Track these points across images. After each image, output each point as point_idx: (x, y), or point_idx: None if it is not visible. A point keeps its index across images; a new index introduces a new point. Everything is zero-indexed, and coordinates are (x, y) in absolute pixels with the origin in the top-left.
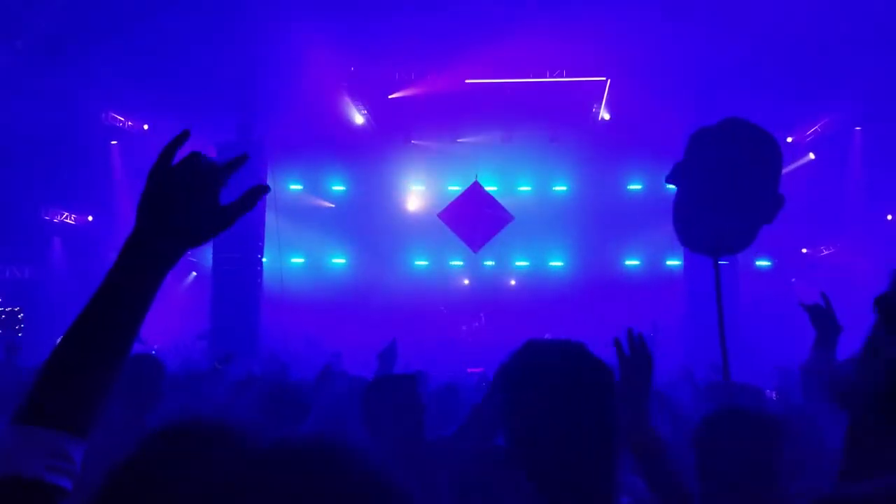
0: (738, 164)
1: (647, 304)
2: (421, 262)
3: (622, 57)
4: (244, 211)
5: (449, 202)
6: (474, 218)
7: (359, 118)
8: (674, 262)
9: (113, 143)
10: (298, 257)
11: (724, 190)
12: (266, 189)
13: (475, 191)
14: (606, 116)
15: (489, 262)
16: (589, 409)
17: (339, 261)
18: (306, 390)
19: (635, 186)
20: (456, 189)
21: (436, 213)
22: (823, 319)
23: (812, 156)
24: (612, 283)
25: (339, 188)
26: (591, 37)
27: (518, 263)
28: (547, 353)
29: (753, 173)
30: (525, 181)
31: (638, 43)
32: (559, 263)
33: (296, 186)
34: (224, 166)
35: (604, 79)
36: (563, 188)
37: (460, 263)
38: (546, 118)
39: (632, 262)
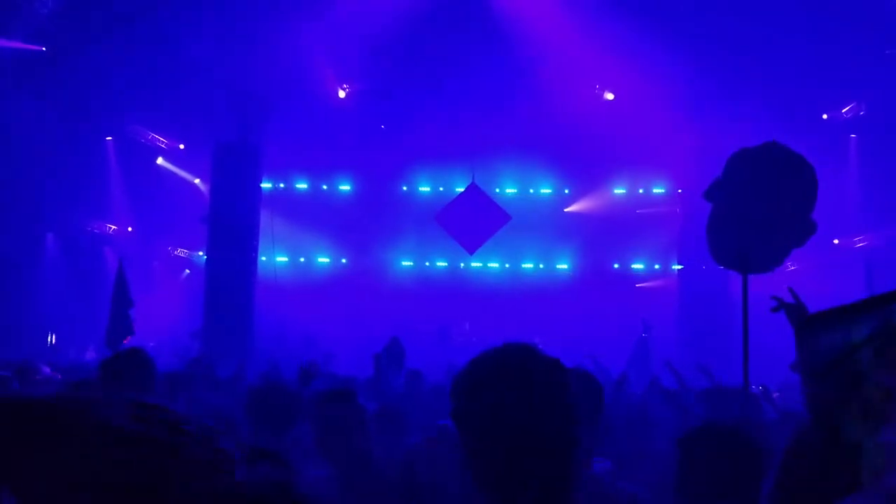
0: (773, 187)
1: (640, 307)
2: (406, 263)
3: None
4: None
5: (446, 204)
6: (470, 220)
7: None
8: (666, 266)
9: (108, 138)
10: (294, 256)
11: (758, 210)
12: None
13: (472, 192)
14: (610, 96)
15: (476, 264)
16: (542, 409)
17: (341, 260)
18: (295, 393)
19: (633, 191)
20: (444, 190)
21: (429, 214)
22: (797, 315)
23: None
24: (604, 285)
25: (343, 188)
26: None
27: (525, 265)
28: (495, 360)
29: (788, 197)
30: (512, 184)
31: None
32: (542, 266)
33: (300, 185)
34: None
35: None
36: (551, 192)
37: (462, 265)
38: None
39: (625, 265)
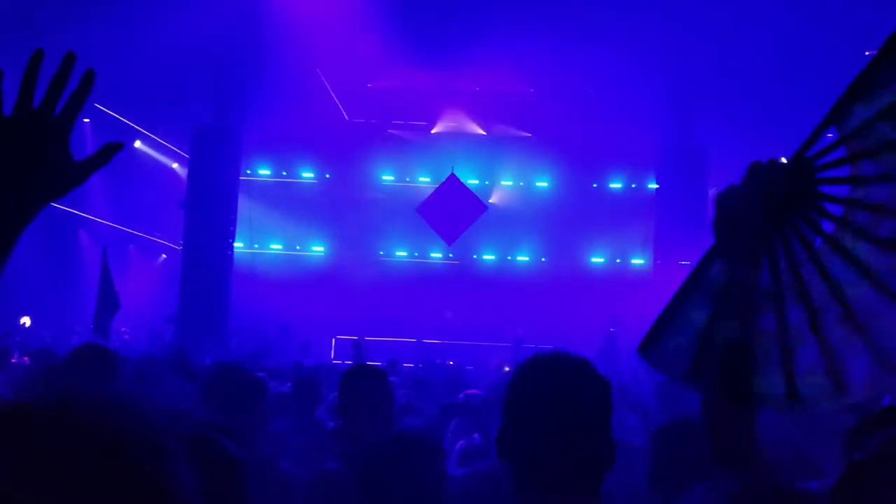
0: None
1: (611, 301)
2: (401, 253)
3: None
4: (97, 167)
5: (426, 196)
6: (450, 211)
7: (336, 107)
8: (638, 261)
9: (85, 120)
10: (272, 244)
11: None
12: (120, 146)
13: (451, 184)
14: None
15: (451, 255)
16: (590, 426)
17: (317, 249)
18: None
19: (615, 185)
20: (427, 180)
21: (408, 204)
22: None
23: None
24: (578, 278)
25: (311, 175)
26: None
27: (486, 257)
28: (552, 368)
29: None
30: (496, 175)
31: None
32: (526, 258)
33: (266, 172)
34: (67, 108)
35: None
36: (523, 184)
37: (438, 256)
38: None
39: (598, 259)
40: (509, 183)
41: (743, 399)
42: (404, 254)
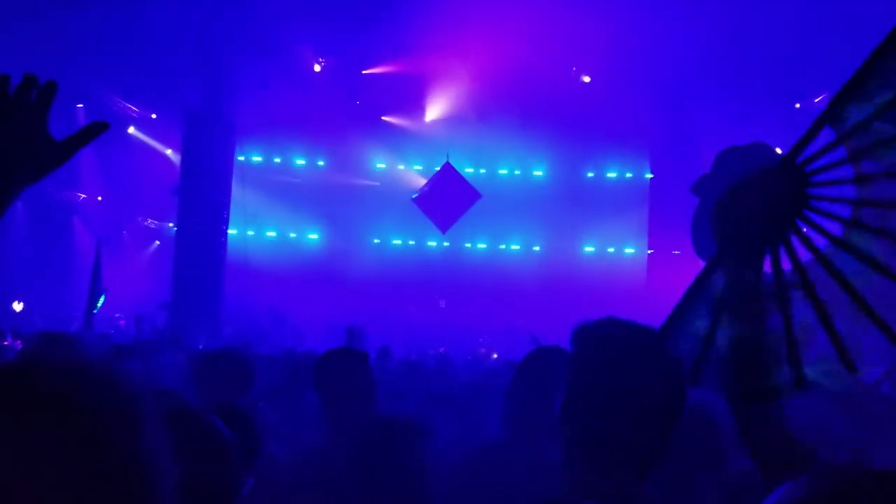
0: None
1: (603, 290)
2: (396, 241)
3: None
4: (80, 146)
5: (422, 185)
6: (444, 199)
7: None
8: (630, 250)
9: (79, 106)
10: (266, 230)
11: None
12: (106, 126)
13: (446, 172)
14: (587, 80)
15: (447, 244)
16: (655, 414)
17: (313, 236)
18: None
19: (610, 174)
20: (419, 168)
21: (402, 192)
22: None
23: (779, 150)
24: (570, 267)
25: (304, 162)
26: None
27: (479, 246)
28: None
29: None
30: (486, 163)
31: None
32: (517, 247)
33: (259, 158)
34: (41, 93)
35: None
36: (520, 173)
37: (433, 244)
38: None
39: (590, 248)
40: (504, 171)
41: (757, 396)
42: (398, 241)
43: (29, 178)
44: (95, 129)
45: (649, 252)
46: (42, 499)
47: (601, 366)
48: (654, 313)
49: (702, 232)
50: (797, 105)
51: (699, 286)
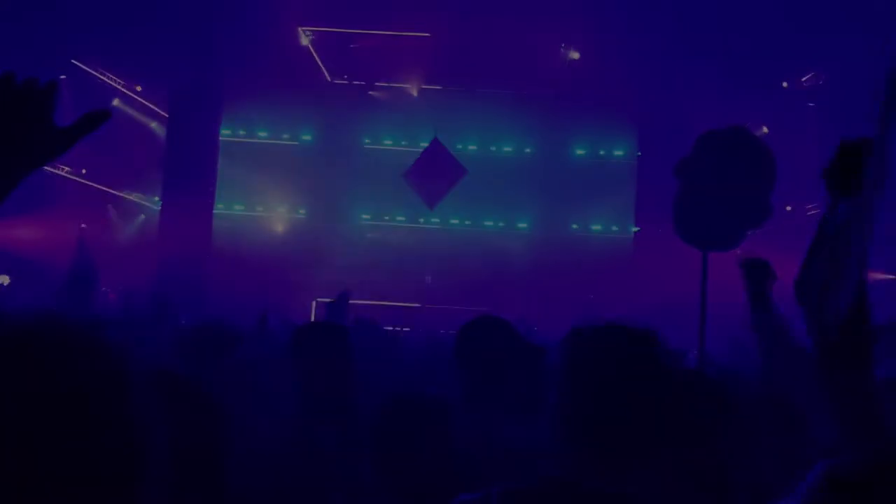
0: (735, 170)
1: (590, 268)
2: (367, 217)
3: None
4: (82, 134)
5: (412, 162)
6: (433, 175)
7: (319, 66)
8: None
9: (62, 77)
10: (252, 206)
11: (720, 191)
12: (108, 114)
13: (435, 148)
14: (576, 55)
15: (435, 220)
16: (652, 395)
17: (299, 211)
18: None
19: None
20: (405, 144)
21: (389, 167)
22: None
23: (766, 129)
24: (560, 244)
25: (289, 136)
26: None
27: (466, 222)
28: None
29: (748, 181)
30: (474, 139)
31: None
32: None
33: (260, 134)
34: (46, 88)
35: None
36: (512, 150)
37: (422, 220)
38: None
39: (575, 226)
40: (493, 148)
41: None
42: (387, 218)
43: (31, 164)
44: (98, 118)
45: (635, 230)
46: (33, 462)
47: (597, 378)
48: (640, 291)
49: (682, 213)
50: (784, 84)
51: (822, 229)
